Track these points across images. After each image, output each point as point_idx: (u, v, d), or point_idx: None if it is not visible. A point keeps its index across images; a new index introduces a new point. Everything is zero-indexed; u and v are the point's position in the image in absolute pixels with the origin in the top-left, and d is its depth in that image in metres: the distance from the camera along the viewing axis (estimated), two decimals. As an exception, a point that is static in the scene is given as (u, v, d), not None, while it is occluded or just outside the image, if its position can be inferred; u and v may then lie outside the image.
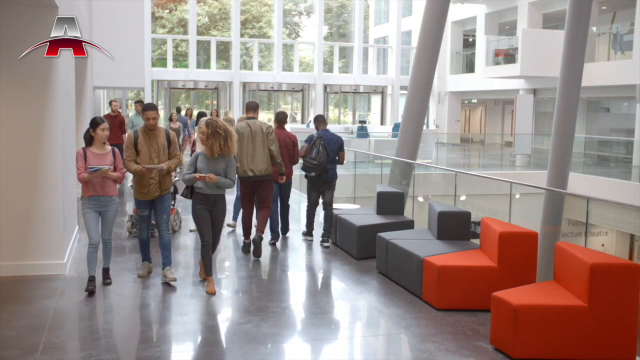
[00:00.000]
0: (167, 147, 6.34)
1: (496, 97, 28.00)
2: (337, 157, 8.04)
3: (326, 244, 8.04)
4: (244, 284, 6.50)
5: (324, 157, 7.77)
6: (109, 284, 6.17)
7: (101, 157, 5.97)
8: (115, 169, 6.03)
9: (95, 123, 5.95)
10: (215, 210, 6.10)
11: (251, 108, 7.67)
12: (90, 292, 5.86)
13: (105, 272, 6.25)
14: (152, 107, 6.32)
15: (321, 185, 8.06)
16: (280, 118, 8.23)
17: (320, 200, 8.23)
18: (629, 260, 12.58)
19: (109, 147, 6.07)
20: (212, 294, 5.96)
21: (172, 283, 6.24)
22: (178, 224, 8.81)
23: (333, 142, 8.00)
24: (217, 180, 5.93)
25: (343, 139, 8.35)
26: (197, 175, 5.88)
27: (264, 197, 7.51)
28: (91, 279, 5.93)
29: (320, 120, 8.25)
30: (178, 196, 7.85)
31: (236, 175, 6.56)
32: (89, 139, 5.98)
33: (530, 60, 20.73)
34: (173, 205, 8.48)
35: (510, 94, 24.25)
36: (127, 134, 6.29)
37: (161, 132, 6.36)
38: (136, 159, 6.22)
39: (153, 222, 8.09)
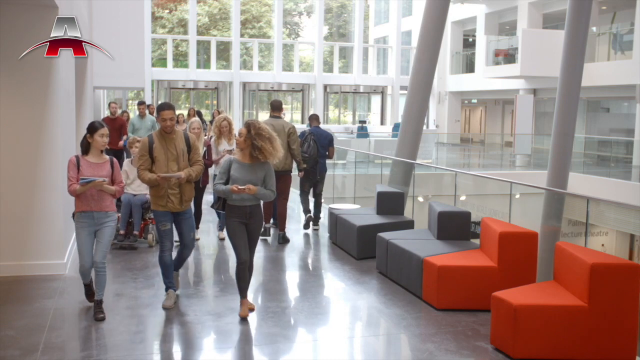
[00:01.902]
0: (187, 153, 5.57)
1: (496, 97, 28.01)
2: (327, 152, 8.81)
3: (315, 227, 9.00)
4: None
5: (314, 151, 8.53)
6: (102, 319, 5.21)
7: (97, 167, 5.22)
8: (112, 182, 5.28)
9: (93, 128, 5.21)
10: (251, 223, 5.34)
11: (275, 107, 8.20)
12: (91, 298, 5.44)
13: (98, 305, 5.30)
14: (169, 106, 5.51)
15: (313, 176, 8.77)
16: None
17: (312, 191, 9.03)
18: (629, 260, 12.58)
19: (106, 156, 5.32)
20: (244, 317, 5.31)
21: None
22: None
23: (323, 138, 8.79)
24: (257, 191, 5.18)
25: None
26: (234, 187, 5.10)
27: (282, 189, 8.00)
28: (88, 287, 5.51)
29: (314, 118, 9.11)
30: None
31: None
32: (86, 146, 5.24)
33: (530, 60, 20.73)
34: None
35: (510, 94, 24.26)
36: (141, 140, 5.57)
37: (179, 136, 5.56)
38: (151, 168, 5.44)
39: (136, 232, 7.67)
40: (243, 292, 5.38)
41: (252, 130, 5.17)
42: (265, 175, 5.28)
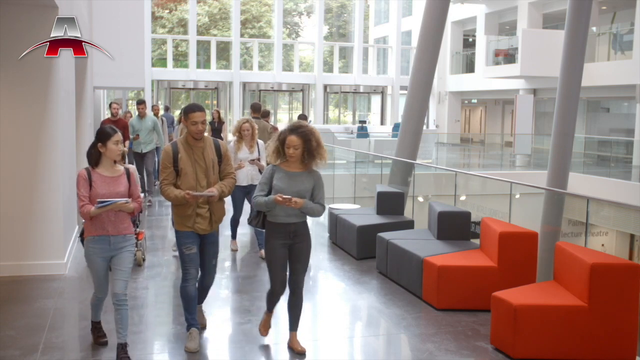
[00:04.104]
0: (218, 164, 4.74)
1: (496, 97, 28.00)
2: None
3: None
4: (244, 284, 6.50)
5: None
6: None
7: (113, 182, 4.37)
8: (131, 197, 4.43)
9: (105, 135, 4.33)
10: (297, 243, 4.55)
11: (256, 109, 8.96)
12: (98, 339, 4.71)
13: (122, 348, 4.44)
14: (199, 107, 4.60)
15: None
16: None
17: None
18: (629, 260, 12.57)
19: (121, 168, 4.48)
20: (301, 353, 4.70)
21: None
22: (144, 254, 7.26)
23: None
24: (304, 205, 4.43)
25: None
26: (278, 197, 4.31)
27: None
28: (97, 326, 4.72)
29: (302, 118, 10.34)
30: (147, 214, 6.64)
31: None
32: (96, 157, 4.38)
33: (530, 60, 20.73)
34: (138, 226, 7.07)
35: (510, 94, 24.25)
36: (163, 149, 4.72)
37: (209, 143, 4.69)
38: (176, 182, 4.60)
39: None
40: (270, 308, 4.85)
41: (311, 139, 4.40)
42: (314, 186, 4.50)
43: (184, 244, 4.65)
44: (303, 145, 4.40)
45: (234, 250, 7.71)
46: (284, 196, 4.30)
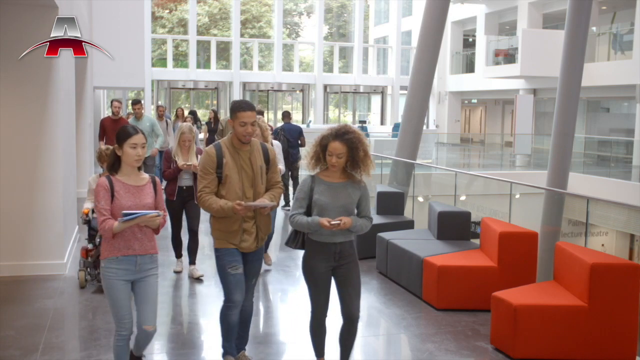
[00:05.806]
0: (266, 171, 4.13)
1: (496, 97, 28.00)
2: (299, 142, 10.25)
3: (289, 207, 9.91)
4: (244, 284, 6.49)
5: (285, 144, 9.75)
6: None
7: (138, 191, 3.69)
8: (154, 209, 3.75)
9: (123, 135, 3.64)
10: (342, 266, 3.96)
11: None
12: None
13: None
14: (249, 106, 3.99)
15: (290, 164, 9.84)
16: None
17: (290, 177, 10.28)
18: (629, 260, 12.58)
19: (146, 175, 3.78)
20: None
21: None
22: None
23: (293, 131, 10.23)
24: (352, 224, 3.82)
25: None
26: (325, 221, 3.72)
27: None
28: None
29: (285, 115, 10.83)
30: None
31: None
32: (113, 161, 3.71)
33: (530, 60, 20.73)
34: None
35: (510, 94, 24.26)
36: (205, 151, 4.08)
37: (256, 147, 4.09)
38: (219, 190, 4.00)
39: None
40: (321, 352, 4.18)
41: (358, 148, 3.80)
42: (361, 197, 3.92)
43: (229, 262, 3.99)
44: (348, 154, 3.81)
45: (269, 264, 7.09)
46: (332, 222, 3.72)
